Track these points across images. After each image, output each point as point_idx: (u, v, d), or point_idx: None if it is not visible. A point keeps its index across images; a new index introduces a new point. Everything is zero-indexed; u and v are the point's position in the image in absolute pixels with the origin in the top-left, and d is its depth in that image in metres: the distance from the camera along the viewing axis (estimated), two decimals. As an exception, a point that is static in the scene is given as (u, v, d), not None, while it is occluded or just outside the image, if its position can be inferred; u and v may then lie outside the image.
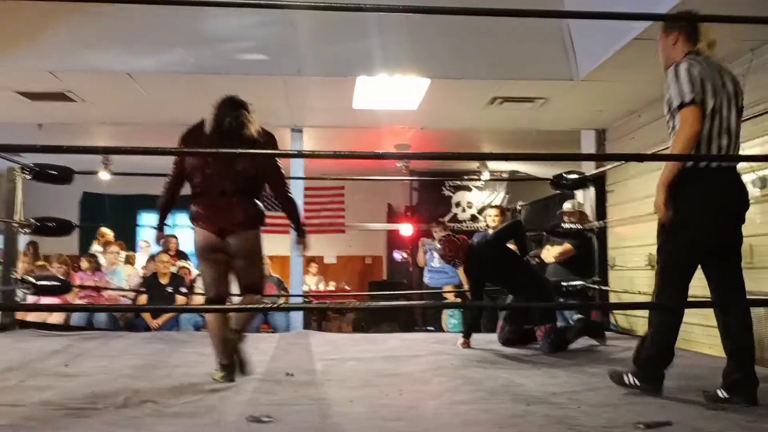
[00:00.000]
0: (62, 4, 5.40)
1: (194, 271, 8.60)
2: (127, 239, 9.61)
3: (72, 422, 2.69)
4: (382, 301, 9.90)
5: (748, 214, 3.30)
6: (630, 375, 3.32)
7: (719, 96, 3.13)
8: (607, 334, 5.50)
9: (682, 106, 3.09)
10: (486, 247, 5.28)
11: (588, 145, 7.70)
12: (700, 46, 3.24)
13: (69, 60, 5.71)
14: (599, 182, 6.26)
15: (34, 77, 5.90)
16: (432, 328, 8.36)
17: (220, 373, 3.73)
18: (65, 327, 6.38)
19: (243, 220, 3.89)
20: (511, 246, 5.51)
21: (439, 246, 5.31)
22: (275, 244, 10.60)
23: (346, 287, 11.31)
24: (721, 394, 3.11)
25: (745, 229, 3.32)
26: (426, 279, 8.44)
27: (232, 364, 3.81)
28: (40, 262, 7.91)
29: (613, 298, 6.23)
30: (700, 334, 5.54)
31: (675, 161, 3.17)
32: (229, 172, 3.86)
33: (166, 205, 4.12)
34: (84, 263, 7.81)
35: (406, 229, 10.03)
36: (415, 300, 9.70)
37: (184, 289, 7.46)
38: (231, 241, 3.87)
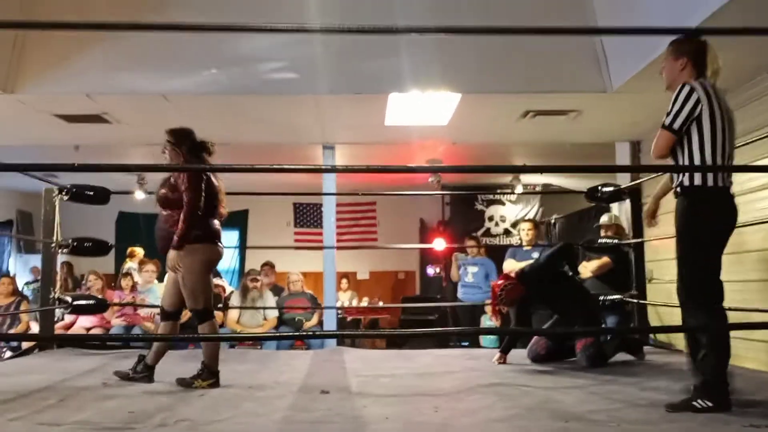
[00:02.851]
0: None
1: (228, 288, 8.66)
2: (162, 258, 9.70)
3: (110, 441, 2.71)
4: (417, 314, 9.86)
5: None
6: (700, 399, 3.21)
7: (725, 121, 3.27)
8: (646, 348, 5.41)
9: (663, 126, 3.29)
10: (539, 271, 5.16)
11: (623, 158, 7.62)
12: (707, 74, 3.37)
13: (105, 83, 5.82)
14: (635, 195, 6.17)
15: (70, 100, 6.01)
16: (467, 344, 8.29)
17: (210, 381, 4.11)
18: (103, 346, 6.44)
19: None
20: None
21: (501, 299, 5.10)
22: (308, 260, 10.70)
23: (381, 303, 11.30)
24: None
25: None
26: (460, 294, 8.38)
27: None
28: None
29: (651, 312, 6.13)
30: (742, 348, 5.42)
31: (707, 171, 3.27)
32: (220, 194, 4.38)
33: (191, 230, 4.18)
34: (125, 282, 7.90)
35: (438, 245, 9.99)
36: (449, 313, 9.65)
37: (220, 305, 7.53)
38: None
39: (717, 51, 3.38)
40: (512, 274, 5.23)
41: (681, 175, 3.36)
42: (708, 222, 3.31)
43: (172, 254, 4.09)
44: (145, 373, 4.26)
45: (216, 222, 4.29)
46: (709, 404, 3.17)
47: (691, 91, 3.24)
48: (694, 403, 3.20)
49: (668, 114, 3.28)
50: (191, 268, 4.12)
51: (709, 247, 3.33)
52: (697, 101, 3.22)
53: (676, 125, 3.25)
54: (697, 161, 3.26)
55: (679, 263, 3.41)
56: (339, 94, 5.96)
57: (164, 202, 4.22)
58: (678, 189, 3.38)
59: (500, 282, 5.09)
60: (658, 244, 6.48)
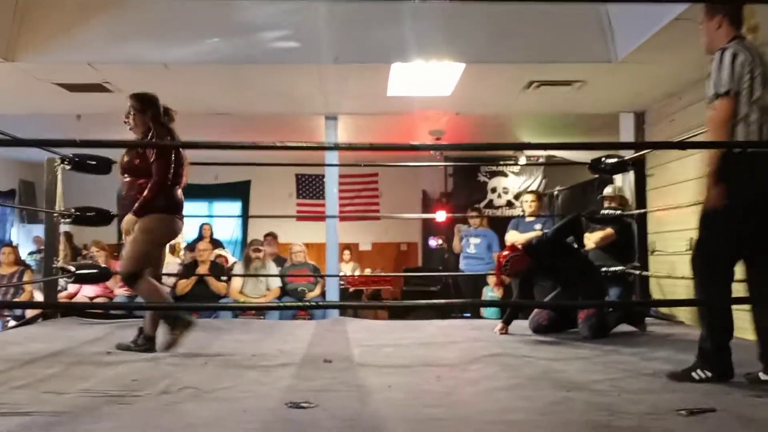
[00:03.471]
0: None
1: (231, 259, 8.67)
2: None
3: (114, 409, 2.73)
4: (419, 285, 9.88)
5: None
6: (699, 370, 3.20)
7: (765, 81, 3.10)
8: (647, 320, 5.41)
9: (718, 95, 3.09)
10: (547, 245, 5.15)
11: (627, 129, 7.59)
12: (743, 31, 3.19)
13: (106, 52, 5.79)
14: (639, 166, 6.14)
15: (72, 69, 5.98)
16: (468, 315, 8.32)
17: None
18: (106, 315, 6.47)
19: None
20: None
21: (506, 268, 5.05)
22: (311, 231, 10.70)
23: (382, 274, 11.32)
24: (763, 376, 3.15)
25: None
26: (462, 265, 8.40)
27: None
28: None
29: (653, 284, 6.13)
30: (745, 319, 5.44)
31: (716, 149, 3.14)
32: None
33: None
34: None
35: (441, 216, 9.99)
36: (451, 285, 9.67)
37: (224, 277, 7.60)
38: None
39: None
40: (519, 246, 5.21)
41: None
42: (735, 187, 3.06)
43: (129, 218, 4.06)
44: (146, 344, 4.25)
45: (179, 192, 4.25)
46: (709, 374, 3.17)
47: (735, 54, 3.06)
48: (693, 373, 3.20)
49: (718, 83, 3.08)
50: (146, 235, 4.07)
51: (732, 214, 3.10)
52: (743, 62, 3.04)
53: (734, 87, 3.04)
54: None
55: (699, 230, 3.22)
56: (342, 64, 5.92)
57: (130, 169, 4.16)
58: None
59: (506, 253, 5.07)
60: (661, 216, 6.48)
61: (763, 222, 3.12)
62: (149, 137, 4.20)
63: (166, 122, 4.27)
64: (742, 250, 3.19)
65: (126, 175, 4.21)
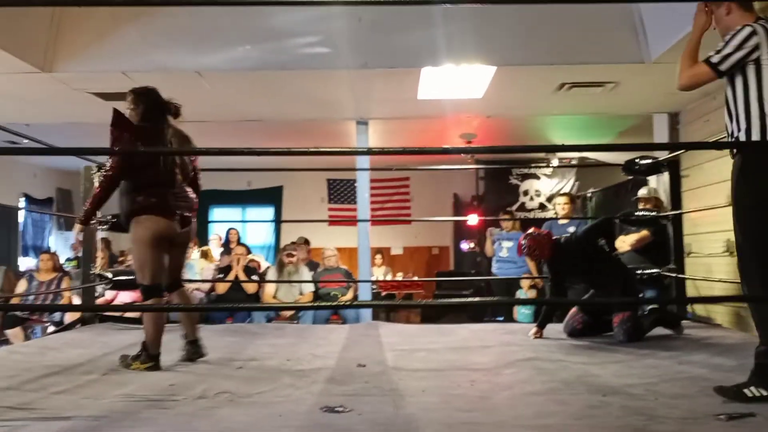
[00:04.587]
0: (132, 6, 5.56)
1: (264, 264, 8.73)
2: (199, 234, 9.83)
3: (152, 413, 2.77)
4: (451, 289, 9.85)
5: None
6: (753, 387, 2.85)
7: None
8: (684, 323, 5.34)
9: (708, 61, 3.04)
10: (576, 245, 5.10)
11: (660, 130, 7.49)
12: (756, 11, 3.06)
13: (139, 60, 5.86)
14: (673, 167, 6.07)
15: (106, 78, 6.06)
16: (501, 318, 8.28)
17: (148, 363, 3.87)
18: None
19: (196, 207, 4.19)
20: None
21: (523, 244, 5.06)
22: (343, 236, 10.74)
23: (415, 278, 11.31)
24: None
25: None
26: (494, 269, 8.36)
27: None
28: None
29: (689, 286, 6.05)
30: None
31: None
32: (182, 161, 4.08)
33: (104, 200, 3.94)
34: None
35: (473, 219, 9.95)
36: (483, 288, 9.63)
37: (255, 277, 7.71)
38: (185, 229, 4.11)
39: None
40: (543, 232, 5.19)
41: (735, 127, 3.00)
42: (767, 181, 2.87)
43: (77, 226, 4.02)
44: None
45: (175, 193, 4.00)
46: (764, 393, 2.82)
47: (751, 33, 2.91)
48: (746, 390, 2.86)
49: (718, 52, 2.99)
50: (137, 240, 3.90)
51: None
52: (756, 46, 2.90)
53: (724, 67, 2.97)
54: (755, 111, 2.92)
55: (736, 231, 3.01)
56: (372, 69, 5.93)
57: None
58: (733, 151, 3.03)
59: (530, 231, 5.07)
60: (696, 217, 6.39)
61: None
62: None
63: (165, 117, 4.03)
64: None
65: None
